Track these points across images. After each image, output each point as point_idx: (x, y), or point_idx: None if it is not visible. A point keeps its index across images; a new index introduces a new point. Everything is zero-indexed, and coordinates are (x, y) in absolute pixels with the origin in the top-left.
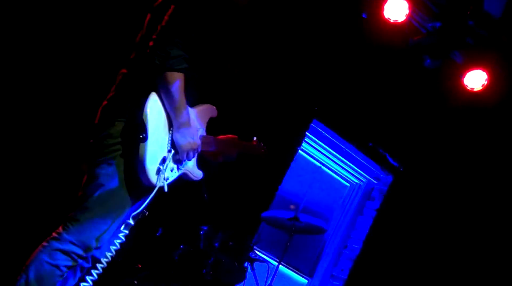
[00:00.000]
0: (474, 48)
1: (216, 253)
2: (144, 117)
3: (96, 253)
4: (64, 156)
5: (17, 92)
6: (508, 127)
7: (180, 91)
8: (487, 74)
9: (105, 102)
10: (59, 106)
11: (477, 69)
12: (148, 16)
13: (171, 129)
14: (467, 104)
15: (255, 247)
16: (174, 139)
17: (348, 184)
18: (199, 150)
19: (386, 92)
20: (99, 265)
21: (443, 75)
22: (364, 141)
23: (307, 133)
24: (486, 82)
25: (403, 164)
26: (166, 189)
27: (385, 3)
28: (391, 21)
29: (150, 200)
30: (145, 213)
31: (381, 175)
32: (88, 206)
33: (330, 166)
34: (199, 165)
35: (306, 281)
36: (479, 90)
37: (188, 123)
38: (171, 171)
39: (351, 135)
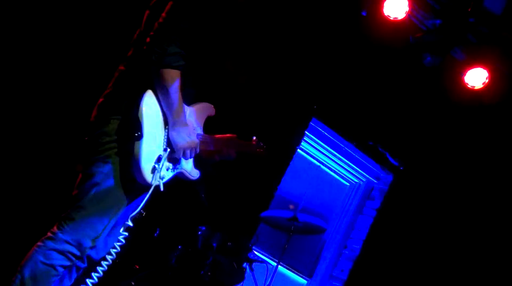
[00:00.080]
0: (475, 45)
1: (214, 254)
2: (139, 115)
3: (92, 253)
4: (58, 154)
5: (11, 89)
6: (509, 126)
7: (176, 89)
8: (488, 72)
9: (101, 99)
10: (54, 103)
11: (478, 66)
12: (147, 13)
13: (167, 127)
14: (468, 102)
15: (253, 247)
16: (170, 137)
17: (347, 184)
18: (197, 149)
19: (386, 90)
20: (100, 268)
21: (444, 73)
22: (364, 140)
23: (306, 132)
24: (487, 80)
25: (404, 163)
26: (162, 188)
27: (385, 0)
28: (391, 18)
29: (147, 200)
30: (142, 213)
31: (381, 174)
32: (83, 205)
33: (329, 165)
34: (196, 164)
35: (306, 281)
36: (480, 88)
37: (184, 121)
38: (167, 170)
39: (350, 134)
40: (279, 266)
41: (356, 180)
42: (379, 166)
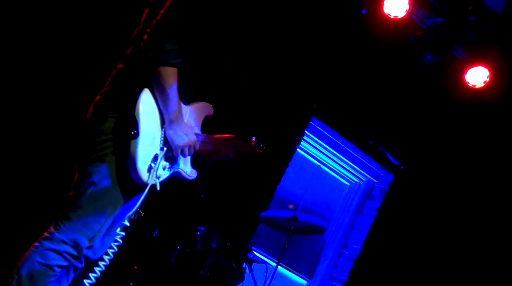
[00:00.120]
0: (476, 44)
1: (214, 254)
2: (136, 113)
3: (89, 253)
4: (55, 152)
5: (7, 86)
6: (510, 125)
7: (173, 87)
8: (489, 71)
9: (98, 97)
10: (50, 100)
11: (479, 65)
12: (146, 10)
13: (164, 126)
14: (468, 101)
15: (253, 247)
16: (167, 136)
17: (348, 183)
18: (197, 147)
19: (386, 89)
20: (97, 269)
21: (444, 71)
22: (364, 139)
23: (305, 131)
24: (488, 79)
25: (404, 163)
26: (158, 188)
27: None
28: (391, 16)
29: (143, 199)
30: (141, 214)
31: (382, 174)
32: (79, 204)
33: (329, 165)
34: (193, 164)
35: (305, 282)
36: (481, 87)
37: (181, 120)
38: (164, 169)
39: (350, 133)
40: (278, 266)
41: (356, 180)
42: (379, 166)
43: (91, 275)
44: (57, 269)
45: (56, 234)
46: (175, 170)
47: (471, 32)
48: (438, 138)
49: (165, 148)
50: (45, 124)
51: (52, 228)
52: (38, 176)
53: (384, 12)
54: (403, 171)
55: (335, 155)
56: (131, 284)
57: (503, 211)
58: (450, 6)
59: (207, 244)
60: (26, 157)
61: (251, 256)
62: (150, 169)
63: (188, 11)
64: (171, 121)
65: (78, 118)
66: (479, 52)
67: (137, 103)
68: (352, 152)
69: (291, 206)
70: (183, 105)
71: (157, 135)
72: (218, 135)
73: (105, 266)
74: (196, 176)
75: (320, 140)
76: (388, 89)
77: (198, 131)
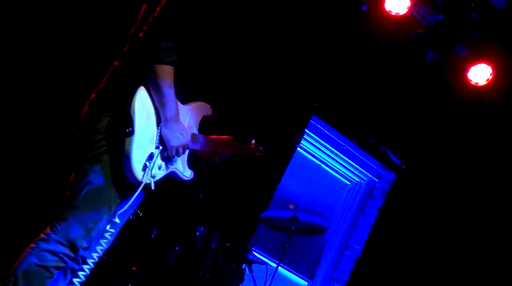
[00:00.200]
0: (479, 41)
1: (213, 255)
2: (131, 111)
3: (86, 254)
4: (50, 152)
5: (2, 86)
6: None
7: (169, 85)
8: (492, 68)
9: (93, 95)
10: (46, 99)
11: (481, 63)
12: (144, 7)
13: (159, 124)
14: (471, 100)
15: (253, 248)
16: (162, 134)
17: (349, 183)
18: (189, 147)
19: (387, 87)
20: (85, 267)
21: (447, 69)
22: (365, 138)
23: (306, 130)
24: (491, 77)
25: (406, 162)
26: (153, 187)
27: None
28: (392, 14)
29: (136, 197)
30: (139, 214)
31: (383, 173)
32: (75, 204)
33: (330, 164)
34: (191, 164)
35: (306, 283)
36: (484, 85)
37: (177, 118)
38: (159, 168)
39: (351, 132)
40: (279, 267)
41: (357, 179)
42: (380, 165)
43: (80, 273)
44: (54, 271)
45: (53, 235)
46: (171, 170)
47: (473, 29)
48: (440, 137)
49: (160, 147)
50: (40, 123)
51: (48, 229)
52: (34, 176)
53: (385, 9)
54: (405, 170)
55: (336, 154)
56: (129, 285)
57: (505, 211)
58: (452, 3)
59: (206, 245)
60: (22, 157)
61: (251, 256)
62: (145, 168)
63: (184, 8)
64: (167, 120)
65: (74, 117)
66: (482, 50)
67: (133, 101)
68: (353, 151)
69: (291, 206)
70: (180, 105)
71: (152, 133)
72: (216, 136)
73: (93, 263)
74: (193, 177)
75: (321, 139)
76: (390, 87)
77: (195, 131)
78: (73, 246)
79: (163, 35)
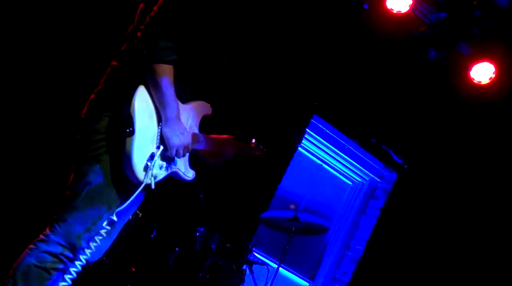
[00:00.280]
0: (481, 39)
1: (213, 256)
2: (131, 110)
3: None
4: (49, 152)
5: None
6: None
7: (169, 84)
8: (494, 67)
9: (92, 96)
10: (44, 100)
11: (484, 61)
12: (141, 6)
13: (160, 124)
14: (474, 98)
15: (254, 249)
16: (163, 134)
17: (350, 183)
18: (190, 146)
19: (389, 86)
20: (77, 263)
21: (449, 68)
22: (366, 137)
23: (307, 129)
24: (493, 75)
25: (408, 161)
26: (153, 186)
27: None
28: (394, 11)
29: (137, 197)
30: (138, 214)
31: (385, 173)
32: (75, 205)
33: (331, 164)
34: (192, 165)
35: (307, 284)
36: (487, 84)
37: (177, 118)
38: (160, 168)
39: (353, 131)
40: (280, 268)
41: (359, 179)
42: (382, 165)
43: (71, 269)
44: (53, 272)
45: (52, 236)
46: (172, 169)
47: (476, 27)
48: (443, 136)
49: (161, 147)
50: (40, 124)
51: (47, 230)
52: (34, 177)
53: (387, 7)
54: (407, 170)
55: (337, 154)
56: None
57: (507, 210)
58: (454, 0)
59: (206, 245)
60: (21, 158)
61: (252, 257)
62: (146, 168)
63: (183, 7)
64: (167, 119)
65: (73, 118)
66: (484, 48)
67: (132, 101)
68: (355, 151)
69: (292, 206)
70: (180, 104)
71: (153, 133)
72: (217, 135)
73: (86, 260)
74: (194, 177)
75: (322, 139)
76: (391, 86)
77: (196, 131)
78: (72, 247)
79: (162, 34)
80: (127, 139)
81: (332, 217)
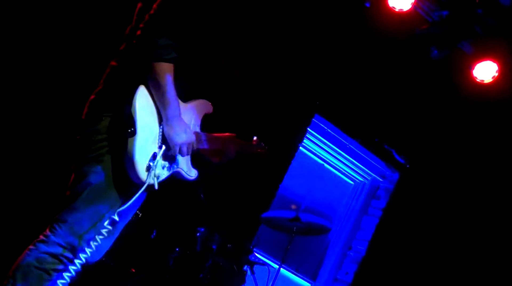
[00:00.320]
0: (484, 38)
1: (214, 256)
2: (132, 110)
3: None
4: (50, 153)
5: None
6: None
7: (169, 83)
8: (497, 65)
9: (92, 96)
10: (44, 101)
11: (487, 60)
12: (139, 5)
13: (161, 123)
14: (476, 97)
15: (254, 249)
16: (165, 133)
17: (352, 183)
18: (195, 144)
19: (391, 85)
20: (77, 261)
21: (451, 66)
22: (368, 136)
23: (308, 129)
24: (496, 74)
25: (410, 161)
26: (156, 187)
27: None
28: (396, 10)
29: (139, 197)
30: (138, 214)
31: (387, 173)
32: (76, 206)
33: (333, 164)
34: (194, 164)
35: (309, 284)
36: (490, 82)
37: (179, 117)
38: (163, 168)
39: (355, 131)
40: (281, 268)
41: (361, 179)
42: (384, 164)
43: (71, 267)
44: (53, 273)
45: (52, 237)
46: (175, 169)
47: (478, 25)
48: (445, 136)
49: (163, 147)
50: (41, 125)
51: (48, 231)
52: (34, 177)
53: (388, 5)
54: (409, 170)
55: (339, 153)
56: None
57: (510, 210)
58: None
59: (207, 246)
60: (22, 158)
61: (253, 258)
62: (149, 168)
63: (182, 4)
64: (168, 118)
65: (74, 119)
66: (487, 47)
67: (133, 101)
68: (357, 150)
69: (293, 206)
70: (181, 103)
71: (155, 133)
72: (218, 134)
73: (85, 258)
74: (197, 176)
75: (324, 138)
76: (394, 85)
77: (197, 129)
78: (72, 248)
79: (161, 33)
80: (129, 139)
81: (333, 217)
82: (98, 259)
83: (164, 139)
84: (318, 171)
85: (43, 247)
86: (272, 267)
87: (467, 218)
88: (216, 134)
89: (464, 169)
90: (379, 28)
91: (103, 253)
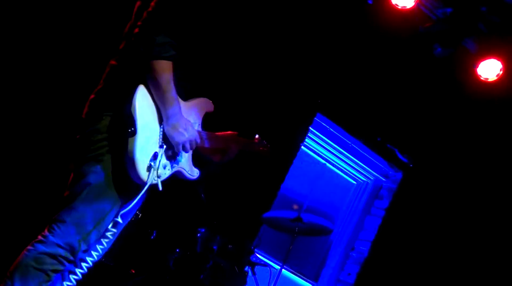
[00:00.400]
0: (488, 35)
1: (215, 257)
2: (132, 110)
3: (85, 256)
4: (49, 153)
5: None
6: None
7: (169, 81)
8: (502, 63)
9: (92, 96)
10: (44, 100)
11: (491, 58)
12: (138, 4)
13: (162, 123)
14: (481, 96)
15: (256, 250)
16: (166, 132)
17: (354, 182)
18: (198, 141)
19: (394, 83)
20: (84, 264)
21: (455, 64)
22: (371, 136)
23: (310, 128)
24: (501, 72)
25: (413, 160)
26: (160, 188)
27: None
28: (399, 7)
29: (140, 197)
30: (138, 215)
31: (390, 172)
32: (74, 206)
33: (335, 163)
34: (195, 163)
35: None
36: (494, 80)
37: (179, 114)
38: (164, 168)
39: (357, 130)
40: (283, 269)
41: (363, 179)
42: (387, 163)
43: (77, 270)
44: (52, 274)
45: (51, 238)
46: (176, 169)
47: (482, 23)
48: (449, 134)
49: (164, 146)
50: (40, 124)
51: (46, 231)
52: (33, 177)
53: (391, 2)
54: (413, 169)
55: (341, 153)
56: None
57: None
58: None
59: (207, 247)
60: (21, 158)
61: (254, 258)
62: (149, 168)
63: (180, 1)
64: (169, 117)
65: (74, 118)
66: (491, 44)
67: (133, 100)
68: (359, 150)
69: (295, 207)
70: (181, 101)
71: (155, 132)
72: (220, 133)
73: (92, 262)
74: (199, 176)
75: (326, 137)
76: (397, 83)
77: (198, 128)
78: (72, 249)
79: (159, 30)
80: (129, 139)
81: (336, 217)
82: (97, 259)
83: (165, 138)
84: (320, 170)
85: (41, 247)
86: (274, 268)
87: (471, 218)
88: (218, 133)
89: (468, 168)
90: (382, 25)
91: (102, 253)
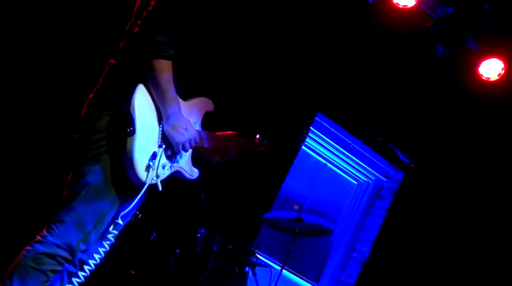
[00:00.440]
0: (490, 34)
1: (215, 258)
2: (131, 109)
3: (84, 256)
4: (48, 152)
5: None
6: None
7: (168, 80)
8: (503, 63)
9: (91, 95)
10: (43, 100)
11: (493, 57)
12: (138, 3)
13: (161, 122)
14: (482, 95)
15: (256, 250)
16: (165, 132)
17: (355, 182)
18: (197, 140)
19: (395, 83)
20: (87, 267)
21: (457, 64)
22: (372, 135)
23: (311, 127)
24: (502, 71)
25: (415, 160)
26: (160, 188)
27: None
28: (400, 6)
29: (139, 198)
30: (138, 215)
31: (391, 172)
32: (73, 206)
33: (336, 163)
34: (195, 163)
35: None
36: (496, 80)
37: (179, 114)
38: (163, 168)
39: (358, 130)
40: (283, 270)
41: (364, 179)
42: (388, 163)
43: (80, 273)
44: (51, 274)
45: (49, 238)
46: (176, 169)
47: (484, 21)
48: (451, 134)
49: (163, 146)
50: (39, 124)
51: (45, 231)
52: (32, 176)
53: (392, 1)
54: (414, 169)
55: (342, 153)
56: None
57: None
58: None
59: (207, 247)
60: (20, 157)
61: (254, 259)
62: (148, 168)
63: (180, 0)
64: (168, 116)
65: (73, 117)
66: (493, 43)
67: (132, 99)
68: (360, 150)
69: (296, 207)
70: (181, 101)
71: (155, 132)
72: (220, 133)
73: (95, 265)
74: (198, 176)
75: (326, 137)
76: (398, 83)
77: (198, 128)
78: (71, 250)
79: (159, 29)
80: (128, 138)
81: (337, 217)
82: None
83: (164, 138)
84: (321, 170)
85: (40, 247)
86: (274, 268)
87: (472, 218)
88: (218, 133)
89: (470, 168)
90: (383, 25)
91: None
